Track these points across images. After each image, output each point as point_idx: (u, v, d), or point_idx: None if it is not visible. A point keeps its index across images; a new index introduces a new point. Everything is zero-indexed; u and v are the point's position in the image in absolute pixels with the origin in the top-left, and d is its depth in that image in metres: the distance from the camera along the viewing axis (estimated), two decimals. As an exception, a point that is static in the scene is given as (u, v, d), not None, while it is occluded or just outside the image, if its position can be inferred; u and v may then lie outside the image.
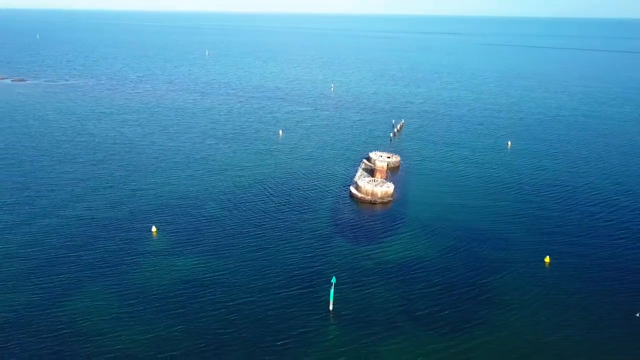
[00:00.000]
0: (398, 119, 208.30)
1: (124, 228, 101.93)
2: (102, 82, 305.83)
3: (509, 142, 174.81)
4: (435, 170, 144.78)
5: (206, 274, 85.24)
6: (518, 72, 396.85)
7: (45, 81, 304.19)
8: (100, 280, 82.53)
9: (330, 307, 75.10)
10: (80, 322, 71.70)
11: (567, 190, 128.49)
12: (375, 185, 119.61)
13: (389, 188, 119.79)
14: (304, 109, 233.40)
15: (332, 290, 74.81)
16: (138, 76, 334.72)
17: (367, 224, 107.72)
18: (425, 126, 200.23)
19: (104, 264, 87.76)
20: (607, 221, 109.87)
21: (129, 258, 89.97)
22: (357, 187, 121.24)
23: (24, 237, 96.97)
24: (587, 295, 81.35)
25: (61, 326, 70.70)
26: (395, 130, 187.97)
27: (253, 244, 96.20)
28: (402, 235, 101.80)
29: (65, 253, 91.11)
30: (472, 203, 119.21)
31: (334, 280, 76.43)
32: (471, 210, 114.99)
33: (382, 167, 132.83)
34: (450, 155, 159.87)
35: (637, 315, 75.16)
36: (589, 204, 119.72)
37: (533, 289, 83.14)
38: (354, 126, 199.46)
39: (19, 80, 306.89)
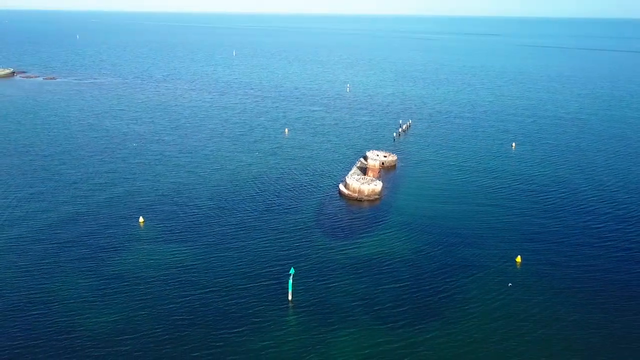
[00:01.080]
0: (409, 119, 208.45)
1: (113, 217, 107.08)
2: (127, 81, 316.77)
3: (514, 144, 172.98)
4: (432, 170, 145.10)
5: (183, 262, 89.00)
6: (546, 73, 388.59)
7: (75, 79, 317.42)
8: (79, 264, 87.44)
9: (290, 297, 77.64)
10: (52, 302, 76.50)
11: (557, 194, 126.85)
12: (363, 183, 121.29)
13: (376, 186, 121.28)
14: (316, 108, 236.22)
15: (290, 281, 77.30)
16: (163, 75, 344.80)
17: (348, 220, 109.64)
18: (433, 127, 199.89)
19: (84, 248, 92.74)
20: (587, 227, 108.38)
21: (112, 245, 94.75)
22: (346, 185, 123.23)
23: (15, 220, 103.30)
24: (552, 296, 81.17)
25: (35, 305, 75.63)
26: (400, 130, 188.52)
27: (232, 237, 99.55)
28: (380, 233, 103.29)
29: (50, 237, 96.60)
30: (459, 204, 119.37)
31: (292, 271, 78.89)
32: (456, 210, 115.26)
33: (374, 166, 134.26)
34: (451, 156, 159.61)
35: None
36: (575, 208, 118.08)
37: (497, 287, 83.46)
38: (361, 126, 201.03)
39: (50, 79, 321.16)
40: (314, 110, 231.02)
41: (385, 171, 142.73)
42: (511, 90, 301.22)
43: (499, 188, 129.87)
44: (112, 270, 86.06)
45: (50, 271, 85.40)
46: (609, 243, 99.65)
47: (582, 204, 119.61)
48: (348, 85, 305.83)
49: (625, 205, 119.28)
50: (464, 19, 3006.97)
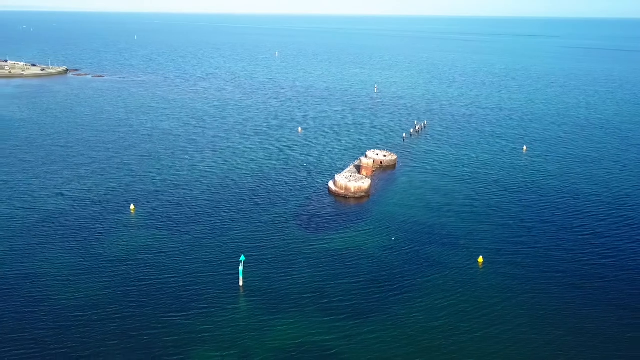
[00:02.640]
0: (424, 120, 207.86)
1: (110, 204, 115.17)
2: (168, 79, 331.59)
3: (525, 147, 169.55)
4: (429, 172, 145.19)
5: (161, 247, 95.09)
6: (591, 76, 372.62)
7: (119, 77, 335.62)
8: (60, 243, 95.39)
9: (240, 283, 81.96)
10: (32, 279, 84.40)
11: (544, 198, 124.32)
12: (350, 180, 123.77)
13: (363, 184, 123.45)
14: (338, 108, 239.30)
15: (240, 268, 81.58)
16: (203, 74, 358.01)
17: (327, 215, 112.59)
18: (449, 128, 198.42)
19: (78, 229, 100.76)
20: (568, 228, 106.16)
21: (104, 228, 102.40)
22: (335, 182, 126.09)
23: (19, 202, 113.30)
24: (502, 295, 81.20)
25: (16, 281, 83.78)
26: (412, 130, 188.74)
27: (213, 227, 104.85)
28: (354, 229, 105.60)
29: (46, 218, 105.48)
30: (445, 204, 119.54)
31: (242, 258, 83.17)
32: (439, 211, 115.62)
33: (367, 164, 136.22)
34: (455, 158, 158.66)
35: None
36: (556, 212, 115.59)
37: (452, 286, 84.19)
38: (377, 126, 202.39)
39: (98, 76, 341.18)
40: (335, 110, 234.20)
41: (383, 170, 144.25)
42: (547, 93, 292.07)
43: (487, 193, 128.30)
44: (96, 251, 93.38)
45: (41, 246, 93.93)
46: (580, 253, 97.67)
47: (566, 213, 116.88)
48: (375, 86, 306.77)
49: (610, 219, 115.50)
50: (512, 20, 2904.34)
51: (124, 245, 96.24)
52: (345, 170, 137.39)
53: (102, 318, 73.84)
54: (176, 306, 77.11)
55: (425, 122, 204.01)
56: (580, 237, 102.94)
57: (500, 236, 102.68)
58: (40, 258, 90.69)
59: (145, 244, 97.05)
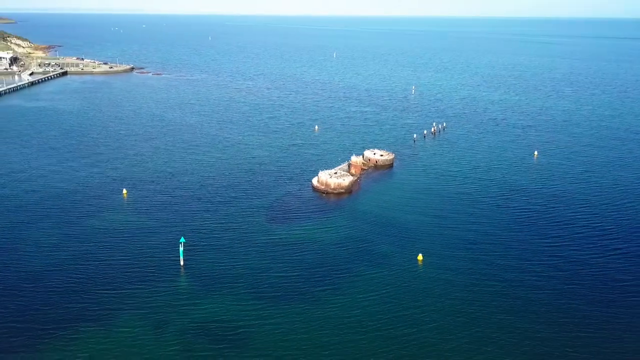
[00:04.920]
0: (443, 122, 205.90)
1: (105, 188, 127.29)
2: (219, 77, 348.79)
3: (536, 152, 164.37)
4: (424, 172, 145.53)
5: (137, 230, 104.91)
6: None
7: (175, 75, 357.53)
8: (47, 223, 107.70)
9: (181, 263, 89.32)
10: (18, 258, 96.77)
11: (528, 208, 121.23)
12: (331, 177, 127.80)
13: (343, 181, 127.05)
14: (368, 109, 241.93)
15: (181, 249, 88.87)
16: (254, 74, 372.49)
17: (298, 209, 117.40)
18: (470, 132, 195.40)
19: (61, 209, 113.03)
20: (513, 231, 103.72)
21: (97, 210, 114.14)
22: (318, 178, 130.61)
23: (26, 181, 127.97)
24: (428, 292, 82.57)
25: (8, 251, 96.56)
26: (425, 132, 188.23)
27: (187, 213, 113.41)
28: (319, 223, 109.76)
29: (45, 198, 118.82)
30: (419, 206, 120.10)
31: (182, 240, 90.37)
32: (409, 212, 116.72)
33: (356, 162, 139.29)
34: (459, 160, 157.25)
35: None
36: (525, 222, 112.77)
37: (388, 281, 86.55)
38: (397, 126, 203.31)
39: (157, 74, 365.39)
40: (364, 111, 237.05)
41: (377, 169, 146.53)
42: (600, 99, 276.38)
43: (469, 199, 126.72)
44: (80, 229, 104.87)
45: (26, 227, 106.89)
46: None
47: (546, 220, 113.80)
48: (413, 87, 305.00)
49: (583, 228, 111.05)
50: (595, 21, 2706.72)
51: (108, 227, 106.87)
52: (337, 168, 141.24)
53: (64, 287, 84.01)
54: (121, 281, 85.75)
55: (444, 124, 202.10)
56: (536, 248, 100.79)
57: (455, 239, 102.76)
58: (32, 232, 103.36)
59: (126, 227, 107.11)
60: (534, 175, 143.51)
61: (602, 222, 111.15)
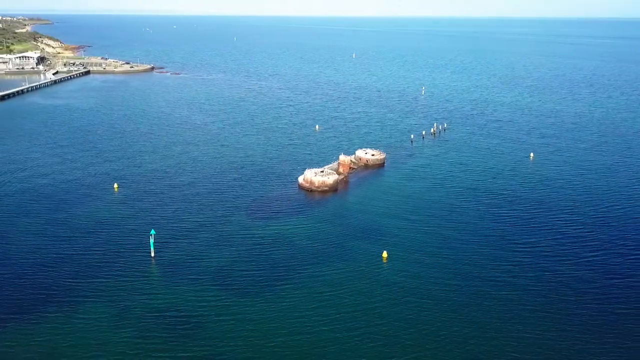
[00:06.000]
0: (444, 123, 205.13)
1: (90, 182, 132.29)
2: (235, 77, 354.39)
3: (532, 154, 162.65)
4: (413, 172, 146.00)
5: (121, 220, 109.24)
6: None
7: (192, 75, 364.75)
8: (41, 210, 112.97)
9: (152, 254, 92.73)
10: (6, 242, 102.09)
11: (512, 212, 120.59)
12: (316, 175, 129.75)
13: (328, 179, 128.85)
14: (374, 110, 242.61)
15: (151, 241, 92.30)
16: (270, 74, 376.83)
17: (279, 205, 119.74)
18: (472, 133, 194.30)
19: (52, 200, 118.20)
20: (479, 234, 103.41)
21: (88, 201, 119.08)
22: (304, 177, 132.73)
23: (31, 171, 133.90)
24: (390, 290, 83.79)
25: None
26: (424, 132, 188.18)
27: (172, 210, 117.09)
28: (295, 219, 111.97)
29: (38, 190, 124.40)
30: (397, 206, 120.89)
31: (152, 232, 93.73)
32: (390, 209, 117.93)
33: (344, 161, 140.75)
34: (452, 161, 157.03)
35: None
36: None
37: (352, 278, 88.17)
38: (397, 126, 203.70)
39: (176, 74, 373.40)
40: (369, 111, 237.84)
41: (367, 169, 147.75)
42: (617, 101, 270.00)
43: (452, 200, 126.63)
44: (64, 219, 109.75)
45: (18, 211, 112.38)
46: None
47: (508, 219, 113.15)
48: (423, 88, 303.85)
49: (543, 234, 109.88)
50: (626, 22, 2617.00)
51: (92, 217, 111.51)
52: (326, 166, 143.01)
53: (46, 270, 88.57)
54: (91, 269, 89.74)
55: (445, 125, 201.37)
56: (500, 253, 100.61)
57: (425, 239, 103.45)
58: (18, 221, 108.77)
59: (111, 218, 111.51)
60: (524, 178, 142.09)
61: (582, 227, 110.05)
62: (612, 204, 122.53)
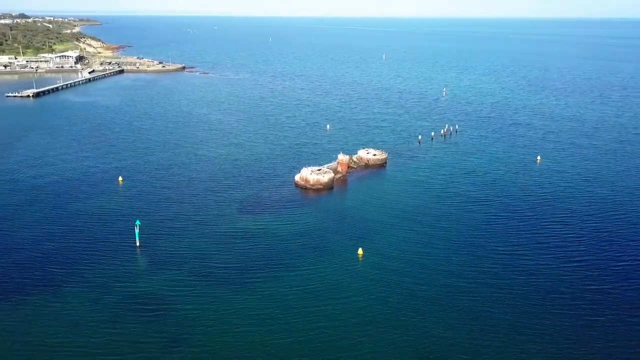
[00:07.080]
0: (455, 124, 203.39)
1: (97, 175, 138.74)
2: (261, 77, 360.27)
3: (539, 157, 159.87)
4: (413, 173, 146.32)
5: (116, 212, 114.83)
6: None
7: (219, 75, 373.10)
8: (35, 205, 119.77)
9: (137, 244, 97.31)
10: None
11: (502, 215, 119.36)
12: (311, 173, 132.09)
13: (322, 177, 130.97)
14: (391, 110, 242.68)
15: (137, 231, 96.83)
16: (296, 75, 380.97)
17: (272, 202, 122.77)
18: (483, 136, 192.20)
19: (60, 192, 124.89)
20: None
21: (94, 193, 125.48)
22: (300, 174, 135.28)
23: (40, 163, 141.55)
24: (363, 287, 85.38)
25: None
26: (433, 134, 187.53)
27: (168, 203, 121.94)
28: (285, 215, 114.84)
29: (42, 182, 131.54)
30: (388, 207, 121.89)
31: (138, 222, 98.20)
32: (380, 208, 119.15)
33: (342, 160, 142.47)
34: (456, 164, 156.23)
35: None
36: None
37: (330, 273, 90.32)
38: (409, 127, 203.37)
39: (204, 74, 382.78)
40: (386, 112, 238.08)
41: (368, 168, 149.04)
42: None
43: (447, 202, 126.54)
44: (66, 209, 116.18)
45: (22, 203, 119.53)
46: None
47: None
48: (444, 90, 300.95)
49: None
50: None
51: (95, 208, 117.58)
52: (325, 165, 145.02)
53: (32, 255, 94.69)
54: (78, 257, 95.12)
55: (457, 126, 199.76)
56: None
57: (406, 238, 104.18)
58: (21, 213, 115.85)
59: (111, 209, 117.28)
60: (525, 182, 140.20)
61: (572, 230, 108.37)
62: (609, 212, 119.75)
